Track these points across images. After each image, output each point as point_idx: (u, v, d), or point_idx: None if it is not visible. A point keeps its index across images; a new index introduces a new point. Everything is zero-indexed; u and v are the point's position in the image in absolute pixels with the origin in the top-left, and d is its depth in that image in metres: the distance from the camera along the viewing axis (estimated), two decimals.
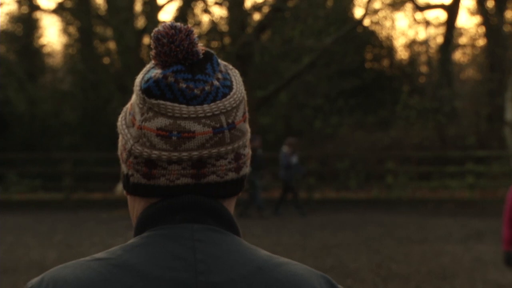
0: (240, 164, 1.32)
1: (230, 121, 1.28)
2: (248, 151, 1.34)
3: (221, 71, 1.31)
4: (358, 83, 25.51)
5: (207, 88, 1.27)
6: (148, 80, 1.28)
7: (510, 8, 26.31)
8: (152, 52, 1.28)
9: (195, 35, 1.29)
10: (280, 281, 1.25)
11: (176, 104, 1.26)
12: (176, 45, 1.27)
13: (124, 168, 1.32)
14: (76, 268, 1.25)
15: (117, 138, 1.37)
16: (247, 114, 1.34)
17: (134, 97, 1.31)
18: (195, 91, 1.26)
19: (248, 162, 1.35)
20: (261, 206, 17.91)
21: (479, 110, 25.99)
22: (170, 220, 1.28)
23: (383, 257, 11.88)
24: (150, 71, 1.31)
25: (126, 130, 1.31)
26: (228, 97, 1.29)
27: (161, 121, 1.26)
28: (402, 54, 29.79)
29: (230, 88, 1.30)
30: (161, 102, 1.26)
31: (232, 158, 1.30)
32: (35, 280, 1.27)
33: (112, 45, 26.16)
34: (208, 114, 1.26)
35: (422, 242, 13.46)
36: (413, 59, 29.44)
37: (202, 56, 1.30)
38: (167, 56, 1.27)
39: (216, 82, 1.29)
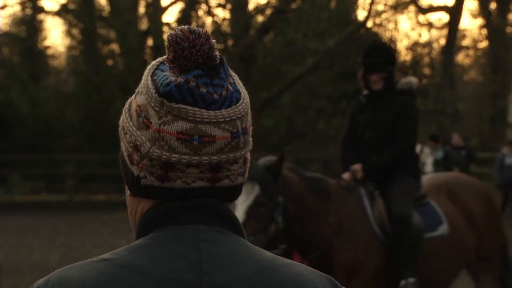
0: (246, 169, 1.34)
1: (244, 126, 1.30)
2: (249, 155, 1.36)
3: (231, 75, 1.32)
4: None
5: (224, 93, 1.28)
6: (168, 83, 1.27)
7: None
8: (170, 56, 1.28)
9: (213, 40, 1.29)
10: (283, 282, 1.26)
11: (196, 109, 1.26)
12: (197, 49, 1.27)
13: (133, 170, 1.31)
14: (82, 268, 1.26)
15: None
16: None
17: (142, 99, 1.30)
18: (214, 95, 1.27)
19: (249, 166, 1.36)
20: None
21: (481, 112, 25.99)
22: (175, 221, 1.29)
23: None
24: (163, 74, 1.29)
25: (137, 133, 1.30)
26: (240, 101, 1.30)
27: (181, 125, 1.26)
28: (405, 56, 29.77)
29: (239, 92, 1.31)
30: (182, 106, 1.26)
31: (242, 162, 1.31)
32: (41, 280, 1.27)
33: (115, 47, 26.17)
34: (227, 119, 1.27)
35: None
36: (416, 61, 29.41)
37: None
38: (187, 61, 1.27)
39: (230, 87, 1.30)
